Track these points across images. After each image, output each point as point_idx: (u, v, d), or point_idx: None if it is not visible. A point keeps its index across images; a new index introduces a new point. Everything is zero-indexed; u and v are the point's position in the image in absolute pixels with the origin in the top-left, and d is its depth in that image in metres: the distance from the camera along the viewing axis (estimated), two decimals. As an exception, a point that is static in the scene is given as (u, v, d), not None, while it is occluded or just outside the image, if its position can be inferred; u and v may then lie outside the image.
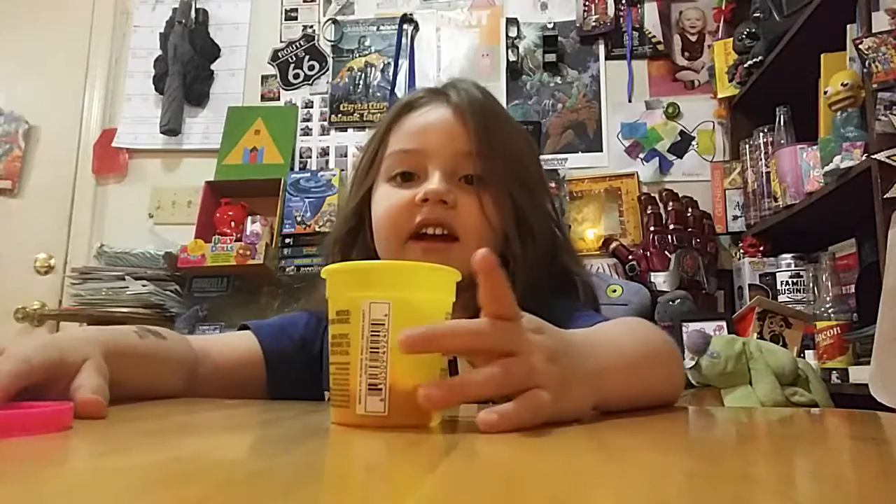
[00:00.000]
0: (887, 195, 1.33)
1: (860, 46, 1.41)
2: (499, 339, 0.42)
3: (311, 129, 2.48)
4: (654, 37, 2.41)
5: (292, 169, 2.41)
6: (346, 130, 2.47)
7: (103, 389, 0.47)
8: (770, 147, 2.01)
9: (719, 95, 2.30)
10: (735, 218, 2.22)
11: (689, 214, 2.14)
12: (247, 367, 0.78)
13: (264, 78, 2.54)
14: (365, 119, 2.46)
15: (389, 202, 0.77)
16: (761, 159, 2.06)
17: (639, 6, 2.43)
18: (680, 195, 2.19)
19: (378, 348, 0.42)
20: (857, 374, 1.44)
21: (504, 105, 1.78)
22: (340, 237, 0.84)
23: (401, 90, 2.46)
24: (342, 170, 2.37)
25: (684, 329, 1.77)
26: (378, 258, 0.79)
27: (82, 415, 0.43)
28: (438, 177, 0.74)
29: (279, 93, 2.53)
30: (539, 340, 0.44)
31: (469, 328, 0.42)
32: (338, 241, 0.84)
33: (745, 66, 2.06)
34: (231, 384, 0.75)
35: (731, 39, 2.18)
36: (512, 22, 2.46)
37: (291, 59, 2.55)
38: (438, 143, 0.77)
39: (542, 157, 2.35)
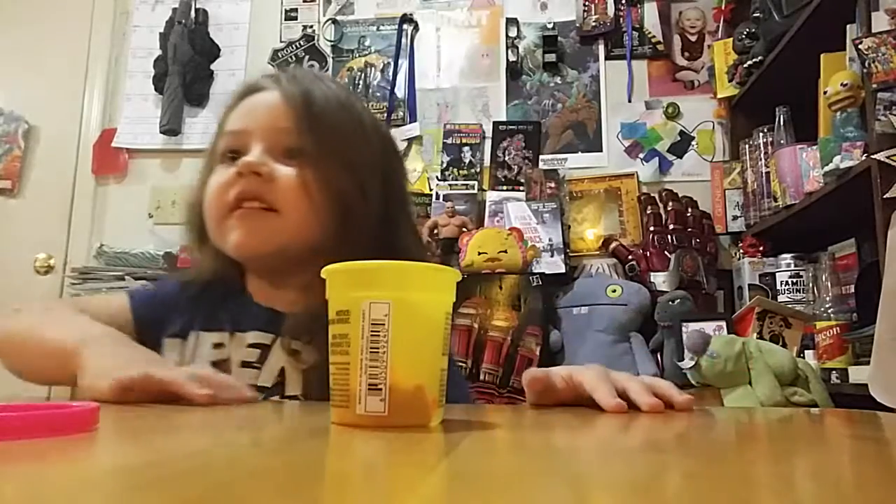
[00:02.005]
0: (887, 195, 1.33)
1: (860, 46, 1.41)
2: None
3: (310, 129, 2.48)
4: (653, 37, 2.41)
5: (292, 169, 2.41)
6: (346, 130, 2.47)
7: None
8: (770, 147, 2.01)
9: (719, 95, 2.30)
10: (735, 218, 2.22)
11: (688, 214, 2.14)
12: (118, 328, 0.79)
13: (264, 78, 2.54)
14: (365, 119, 2.46)
15: (212, 180, 0.77)
16: (761, 159, 2.06)
17: (639, 6, 2.43)
18: (680, 195, 2.19)
19: (378, 348, 0.42)
20: (857, 374, 1.44)
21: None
22: (195, 231, 0.82)
23: (400, 90, 2.46)
24: (342, 170, 2.37)
25: (684, 329, 1.76)
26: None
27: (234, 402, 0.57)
28: (258, 151, 0.74)
29: (279, 93, 2.52)
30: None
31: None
32: (193, 236, 0.82)
33: (745, 66, 2.06)
34: None
35: (731, 39, 2.18)
36: (512, 22, 2.46)
37: (291, 59, 2.55)
38: (260, 121, 0.77)
39: (541, 156, 2.35)
